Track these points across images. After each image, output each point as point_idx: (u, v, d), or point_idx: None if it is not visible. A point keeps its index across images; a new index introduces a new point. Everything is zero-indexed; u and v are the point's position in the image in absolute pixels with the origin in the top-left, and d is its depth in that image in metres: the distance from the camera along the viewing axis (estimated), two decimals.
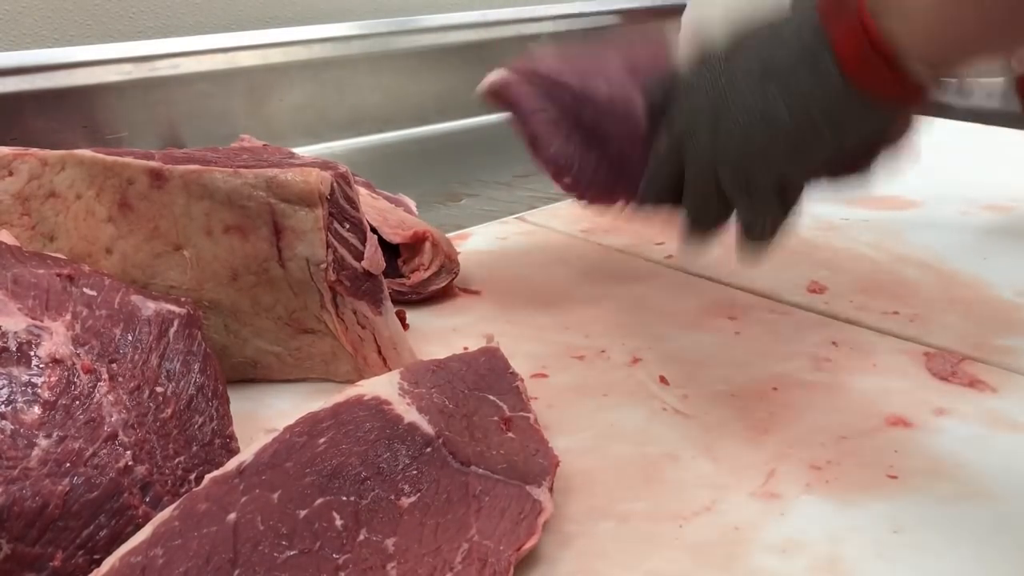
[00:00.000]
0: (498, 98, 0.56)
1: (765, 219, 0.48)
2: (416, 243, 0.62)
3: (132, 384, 0.38)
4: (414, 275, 0.61)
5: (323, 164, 0.49)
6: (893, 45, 0.39)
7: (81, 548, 0.33)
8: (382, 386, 0.42)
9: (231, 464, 0.36)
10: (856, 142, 0.45)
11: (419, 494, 0.37)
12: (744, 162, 0.46)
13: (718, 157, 0.47)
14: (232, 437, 0.41)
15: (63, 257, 0.44)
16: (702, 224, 0.51)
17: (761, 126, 0.44)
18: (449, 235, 0.72)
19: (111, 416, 0.36)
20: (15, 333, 0.37)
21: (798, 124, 0.43)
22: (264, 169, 0.47)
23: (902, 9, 0.39)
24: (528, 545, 0.36)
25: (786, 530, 0.39)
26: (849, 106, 0.42)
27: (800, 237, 0.73)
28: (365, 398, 0.40)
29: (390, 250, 0.61)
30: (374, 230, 0.51)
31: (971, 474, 0.43)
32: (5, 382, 0.35)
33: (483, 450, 0.40)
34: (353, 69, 1.06)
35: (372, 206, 0.63)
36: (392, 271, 0.61)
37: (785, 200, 0.48)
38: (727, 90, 0.45)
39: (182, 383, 0.40)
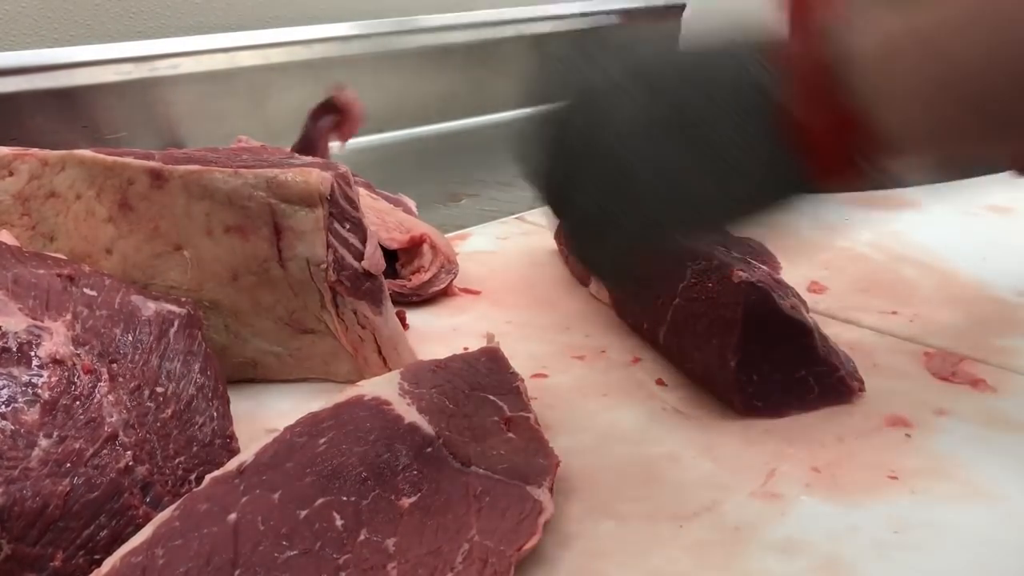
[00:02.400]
0: None
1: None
2: (414, 247, 0.62)
3: (132, 384, 0.38)
4: (414, 277, 0.61)
5: (323, 164, 0.49)
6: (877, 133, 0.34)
7: (82, 548, 0.33)
8: (382, 386, 0.42)
9: (231, 464, 0.36)
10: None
11: (419, 494, 0.37)
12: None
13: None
14: (232, 437, 0.41)
15: (63, 257, 0.44)
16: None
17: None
18: (449, 235, 0.72)
19: (111, 416, 0.36)
20: (15, 333, 0.37)
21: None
22: (264, 169, 0.47)
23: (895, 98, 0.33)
24: (528, 545, 0.36)
25: (786, 530, 0.39)
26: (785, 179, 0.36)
27: (800, 237, 0.73)
28: (365, 398, 0.40)
29: (389, 253, 0.61)
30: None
31: (971, 474, 0.43)
32: (5, 382, 0.35)
33: (483, 450, 0.40)
34: (353, 69, 1.05)
35: (371, 207, 0.63)
36: (391, 274, 0.61)
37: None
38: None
39: (182, 383, 0.40)
